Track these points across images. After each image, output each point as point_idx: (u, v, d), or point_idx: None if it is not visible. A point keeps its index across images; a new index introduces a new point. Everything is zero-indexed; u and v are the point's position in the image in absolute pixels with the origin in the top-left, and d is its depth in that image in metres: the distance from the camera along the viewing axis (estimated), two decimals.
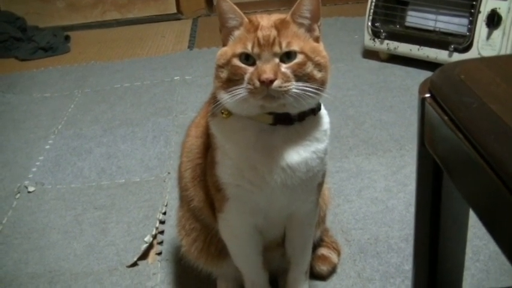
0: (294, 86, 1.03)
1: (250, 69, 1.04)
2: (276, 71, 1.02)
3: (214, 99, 1.14)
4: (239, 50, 1.05)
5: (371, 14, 2.90)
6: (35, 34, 3.68)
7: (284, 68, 1.03)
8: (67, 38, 3.77)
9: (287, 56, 1.04)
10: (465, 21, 2.58)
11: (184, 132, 1.41)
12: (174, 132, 2.39)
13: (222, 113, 1.12)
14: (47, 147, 2.37)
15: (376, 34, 2.90)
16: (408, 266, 1.51)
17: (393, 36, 2.86)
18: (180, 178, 1.38)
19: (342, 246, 1.60)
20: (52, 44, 3.60)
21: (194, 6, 4.15)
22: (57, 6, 4.03)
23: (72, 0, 4.04)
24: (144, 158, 2.22)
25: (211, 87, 1.17)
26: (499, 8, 2.42)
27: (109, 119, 2.60)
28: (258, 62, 1.03)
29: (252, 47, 1.03)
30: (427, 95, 0.87)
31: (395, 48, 2.86)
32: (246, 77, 1.04)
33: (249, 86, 1.03)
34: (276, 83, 1.01)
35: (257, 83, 1.01)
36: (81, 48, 3.67)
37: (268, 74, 1.01)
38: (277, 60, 1.03)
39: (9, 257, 1.71)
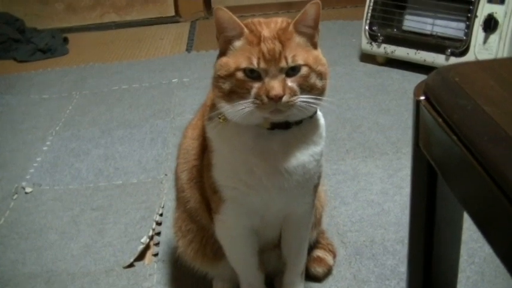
0: (300, 99, 1.04)
1: (257, 84, 1.03)
2: (284, 86, 1.02)
3: (212, 106, 1.14)
4: (244, 64, 1.03)
5: (368, 17, 2.90)
6: (33, 36, 3.68)
7: (290, 82, 1.03)
8: (65, 40, 3.77)
9: (292, 70, 1.04)
10: (462, 25, 2.60)
11: (181, 134, 1.42)
12: (171, 134, 2.40)
13: (219, 117, 1.11)
14: (45, 148, 2.38)
15: (373, 38, 2.90)
16: (403, 268, 1.52)
17: (390, 40, 2.86)
18: (177, 180, 1.39)
19: (338, 248, 1.60)
20: (50, 45, 3.60)
21: (192, 9, 4.16)
22: (56, 8, 4.04)
23: (70, 2, 4.04)
24: (142, 159, 2.23)
25: (209, 89, 1.17)
26: (496, 13, 2.44)
27: (107, 120, 2.60)
28: (264, 78, 1.03)
29: (258, 63, 1.02)
30: (422, 97, 0.88)
31: (392, 52, 2.87)
32: (253, 92, 1.03)
33: (257, 101, 1.02)
34: (284, 99, 1.01)
35: (265, 99, 1.01)
36: (80, 50, 3.67)
37: (277, 91, 1.01)
38: (283, 75, 1.03)
39: (6, 257, 1.71)
